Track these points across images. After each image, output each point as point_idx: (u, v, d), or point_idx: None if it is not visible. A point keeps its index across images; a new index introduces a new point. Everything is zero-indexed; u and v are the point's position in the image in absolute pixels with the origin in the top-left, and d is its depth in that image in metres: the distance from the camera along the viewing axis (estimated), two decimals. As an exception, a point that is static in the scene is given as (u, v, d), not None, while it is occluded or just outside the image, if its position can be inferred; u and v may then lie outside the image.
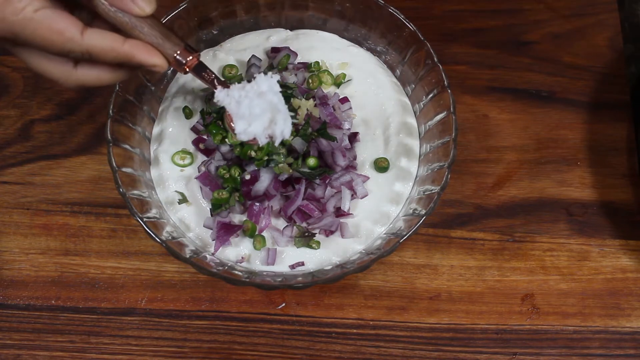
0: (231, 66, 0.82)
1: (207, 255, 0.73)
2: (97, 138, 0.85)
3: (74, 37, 0.55)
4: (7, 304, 0.77)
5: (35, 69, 0.59)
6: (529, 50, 0.91)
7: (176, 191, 0.76)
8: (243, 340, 0.76)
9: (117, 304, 0.77)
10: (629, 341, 0.76)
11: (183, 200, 0.76)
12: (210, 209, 0.74)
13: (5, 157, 0.84)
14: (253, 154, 0.71)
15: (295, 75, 0.80)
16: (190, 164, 0.78)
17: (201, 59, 0.65)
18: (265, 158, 0.71)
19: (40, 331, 0.76)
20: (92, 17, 0.60)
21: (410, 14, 0.79)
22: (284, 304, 0.77)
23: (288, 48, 0.83)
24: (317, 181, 0.75)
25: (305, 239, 0.74)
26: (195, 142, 0.78)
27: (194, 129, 0.79)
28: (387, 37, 0.82)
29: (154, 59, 0.59)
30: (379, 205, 0.76)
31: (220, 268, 0.70)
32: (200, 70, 0.67)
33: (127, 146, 0.76)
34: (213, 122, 0.74)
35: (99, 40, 0.57)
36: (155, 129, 0.81)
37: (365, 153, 0.79)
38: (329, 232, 0.74)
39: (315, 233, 0.74)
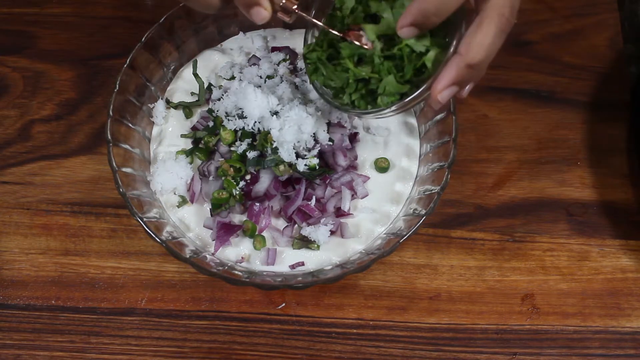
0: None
1: (207, 255, 0.73)
2: (97, 138, 0.85)
3: None
4: (7, 304, 0.77)
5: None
6: (529, 50, 0.91)
7: (176, 194, 0.77)
8: (243, 340, 0.76)
9: (117, 304, 0.77)
10: (629, 341, 0.76)
11: (183, 202, 0.76)
12: (210, 209, 0.74)
13: (5, 157, 0.84)
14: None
15: (296, 75, 0.80)
16: (191, 162, 0.78)
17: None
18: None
19: (40, 331, 0.76)
20: None
21: (410, 14, 0.79)
22: (284, 304, 0.77)
23: (288, 48, 0.83)
24: (317, 181, 0.74)
25: (304, 242, 0.74)
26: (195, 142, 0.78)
27: (193, 129, 0.79)
28: (387, 37, 0.82)
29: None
30: (379, 205, 0.76)
31: (220, 268, 0.70)
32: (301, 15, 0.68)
33: (127, 146, 0.76)
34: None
35: None
36: (155, 129, 0.81)
37: (366, 153, 0.79)
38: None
39: (314, 240, 0.74)
